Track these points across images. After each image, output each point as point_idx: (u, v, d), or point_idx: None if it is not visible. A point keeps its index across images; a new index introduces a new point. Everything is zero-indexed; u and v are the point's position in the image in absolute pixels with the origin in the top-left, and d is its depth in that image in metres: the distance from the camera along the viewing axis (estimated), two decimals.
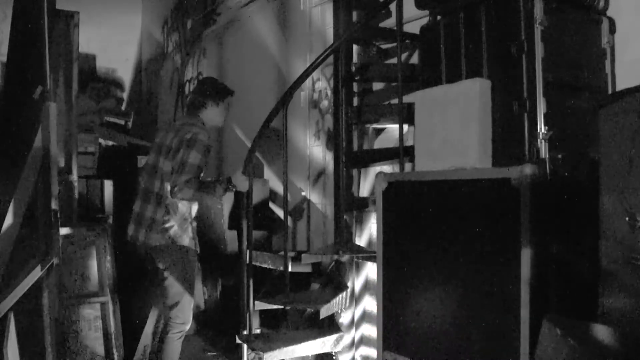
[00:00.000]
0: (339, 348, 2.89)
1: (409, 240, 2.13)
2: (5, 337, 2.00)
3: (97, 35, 6.22)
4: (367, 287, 3.16)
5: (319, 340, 2.78)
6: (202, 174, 2.92)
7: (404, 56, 3.08)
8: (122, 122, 6.21)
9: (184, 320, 2.93)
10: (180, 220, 2.93)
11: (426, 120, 2.23)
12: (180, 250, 2.93)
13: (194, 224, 3.02)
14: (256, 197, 3.82)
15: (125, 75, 7.03)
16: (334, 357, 3.06)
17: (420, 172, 2.19)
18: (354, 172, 3.14)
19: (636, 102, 1.51)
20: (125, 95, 7.01)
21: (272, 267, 3.19)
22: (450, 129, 2.12)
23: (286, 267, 2.79)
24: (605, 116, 1.64)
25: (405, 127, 2.61)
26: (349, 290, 2.98)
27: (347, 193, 2.99)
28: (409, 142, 2.52)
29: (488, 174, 1.90)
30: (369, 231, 3.14)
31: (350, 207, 3.00)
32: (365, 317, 3.18)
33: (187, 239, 2.94)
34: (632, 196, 1.51)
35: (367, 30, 3.05)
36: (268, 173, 4.28)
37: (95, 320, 3.59)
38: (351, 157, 2.99)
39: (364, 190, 3.21)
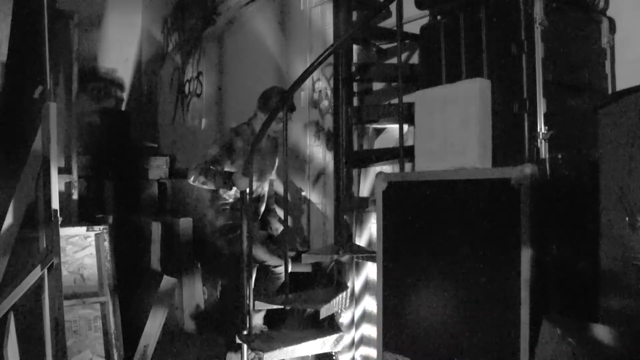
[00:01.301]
0: (339, 348, 2.89)
1: (408, 240, 2.13)
2: (5, 337, 2.01)
3: (97, 35, 6.22)
4: (367, 287, 3.16)
5: (319, 340, 2.78)
6: (220, 167, 3.16)
7: (404, 56, 3.08)
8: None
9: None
10: (217, 206, 3.27)
11: (426, 120, 2.23)
12: (213, 234, 3.30)
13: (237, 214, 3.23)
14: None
15: (125, 75, 7.02)
16: (334, 357, 3.06)
17: (420, 172, 2.18)
18: (354, 172, 3.14)
19: (636, 102, 1.51)
20: (125, 95, 7.01)
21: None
22: (450, 129, 2.12)
23: (286, 267, 2.79)
24: (605, 116, 1.65)
25: (405, 127, 2.61)
26: (349, 290, 2.98)
27: (347, 193, 2.98)
28: (409, 142, 2.51)
29: (488, 174, 1.90)
30: (369, 231, 3.14)
31: (350, 207, 3.00)
32: (365, 317, 3.17)
33: (218, 224, 3.23)
34: (632, 196, 1.51)
35: (367, 30, 3.04)
36: None
37: (95, 320, 3.59)
38: (351, 157, 2.99)
39: (364, 190, 3.20)
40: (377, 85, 3.31)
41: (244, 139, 3.20)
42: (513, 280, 1.72)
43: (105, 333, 3.58)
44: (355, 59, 3.15)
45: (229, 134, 3.25)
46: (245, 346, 2.78)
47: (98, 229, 3.66)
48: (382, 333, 2.20)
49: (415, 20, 2.82)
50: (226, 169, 3.17)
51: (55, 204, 2.56)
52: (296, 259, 3.14)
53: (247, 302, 2.77)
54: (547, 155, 1.98)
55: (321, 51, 2.72)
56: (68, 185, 4.15)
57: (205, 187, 3.18)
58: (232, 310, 3.39)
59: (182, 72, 6.05)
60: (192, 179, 3.11)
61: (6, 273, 2.50)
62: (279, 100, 2.75)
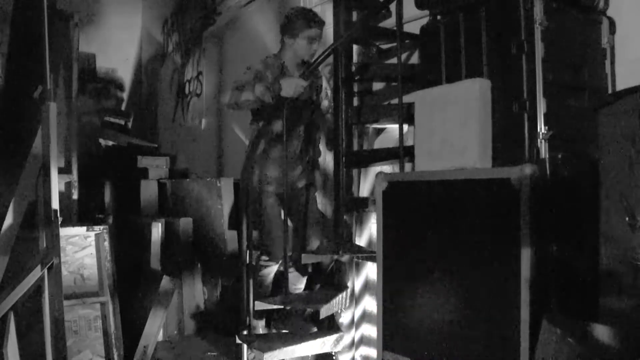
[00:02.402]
0: (339, 348, 2.89)
1: (409, 240, 2.13)
2: (5, 337, 2.01)
3: (97, 35, 6.23)
4: (367, 287, 3.16)
5: (319, 340, 2.78)
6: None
7: (404, 56, 3.08)
8: (122, 122, 6.22)
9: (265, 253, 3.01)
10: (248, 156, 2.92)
11: (426, 120, 2.23)
12: (245, 186, 2.92)
13: (270, 167, 2.96)
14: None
15: (125, 75, 7.03)
16: (334, 357, 3.05)
17: (420, 172, 2.19)
18: (354, 172, 3.14)
19: (636, 102, 1.51)
20: (125, 95, 7.01)
21: None
22: (450, 129, 2.12)
23: (286, 267, 2.79)
24: (605, 116, 1.65)
25: (405, 127, 2.61)
26: (349, 290, 2.98)
27: (347, 193, 2.98)
28: (409, 142, 2.52)
29: (488, 174, 1.90)
30: (369, 231, 3.14)
31: (350, 207, 3.00)
32: (365, 317, 3.17)
33: (254, 178, 2.92)
34: (632, 196, 1.51)
35: (367, 30, 3.05)
36: None
37: (95, 320, 3.59)
38: (351, 157, 2.99)
39: (364, 190, 3.20)
40: (377, 85, 3.31)
41: (273, 73, 2.92)
42: (513, 280, 1.72)
43: (105, 333, 3.58)
44: (355, 59, 3.15)
45: (257, 65, 2.91)
46: (245, 346, 2.78)
47: (98, 229, 3.66)
48: (382, 333, 2.20)
49: (415, 20, 2.82)
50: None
51: (55, 204, 2.56)
52: (296, 259, 3.13)
53: (247, 302, 2.77)
54: (547, 155, 1.98)
55: (321, 51, 2.72)
56: (68, 185, 4.15)
57: (241, 104, 2.77)
58: (233, 310, 3.38)
59: (182, 72, 6.05)
60: (227, 99, 2.76)
61: (6, 273, 2.50)
62: (279, 101, 2.73)
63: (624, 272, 1.54)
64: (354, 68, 3.06)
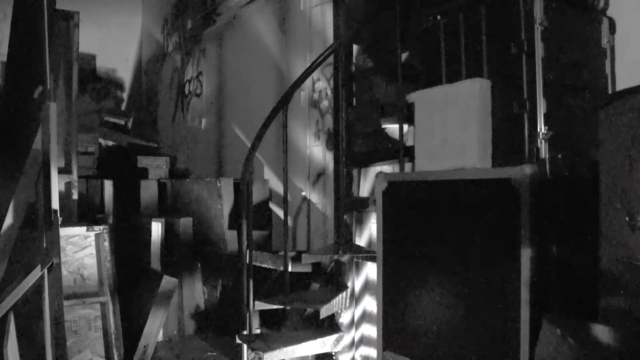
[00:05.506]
0: (339, 348, 2.89)
1: (408, 240, 2.13)
2: (5, 337, 2.00)
3: (97, 35, 6.23)
4: (367, 287, 3.16)
5: (319, 340, 2.78)
6: None
7: (404, 56, 3.07)
8: (122, 122, 6.23)
9: None
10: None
11: (426, 120, 2.23)
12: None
13: None
14: (256, 197, 3.82)
15: (125, 75, 7.03)
16: (334, 357, 3.06)
17: (420, 172, 2.19)
18: (354, 172, 3.14)
19: (636, 102, 1.51)
20: (125, 95, 7.01)
21: (272, 267, 3.19)
22: (450, 129, 2.12)
23: (286, 267, 2.79)
24: (605, 116, 1.65)
25: (405, 127, 2.61)
26: (349, 290, 2.98)
27: (347, 193, 2.98)
28: (409, 142, 2.52)
29: (488, 174, 1.90)
30: (369, 231, 3.14)
31: (350, 207, 3.00)
32: (365, 317, 3.17)
33: None
34: (632, 196, 1.51)
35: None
36: (268, 173, 4.27)
37: (95, 320, 3.59)
38: (351, 157, 2.99)
39: (364, 190, 3.20)
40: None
41: None
42: (513, 280, 1.72)
43: (105, 333, 3.58)
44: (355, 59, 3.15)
45: None
46: (245, 346, 2.78)
47: (98, 229, 3.66)
48: (382, 333, 2.20)
49: None
50: None
51: (55, 204, 2.55)
52: (296, 259, 3.14)
53: (247, 302, 2.77)
54: (547, 155, 1.98)
55: (321, 51, 2.72)
56: (68, 185, 4.15)
57: None
58: (233, 310, 3.38)
59: (182, 72, 6.05)
60: None
61: (6, 273, 2.50)
62: (279, 101, 2.74)
63: (624, 272, 1.54)
64: (354, 68, 3.06)
